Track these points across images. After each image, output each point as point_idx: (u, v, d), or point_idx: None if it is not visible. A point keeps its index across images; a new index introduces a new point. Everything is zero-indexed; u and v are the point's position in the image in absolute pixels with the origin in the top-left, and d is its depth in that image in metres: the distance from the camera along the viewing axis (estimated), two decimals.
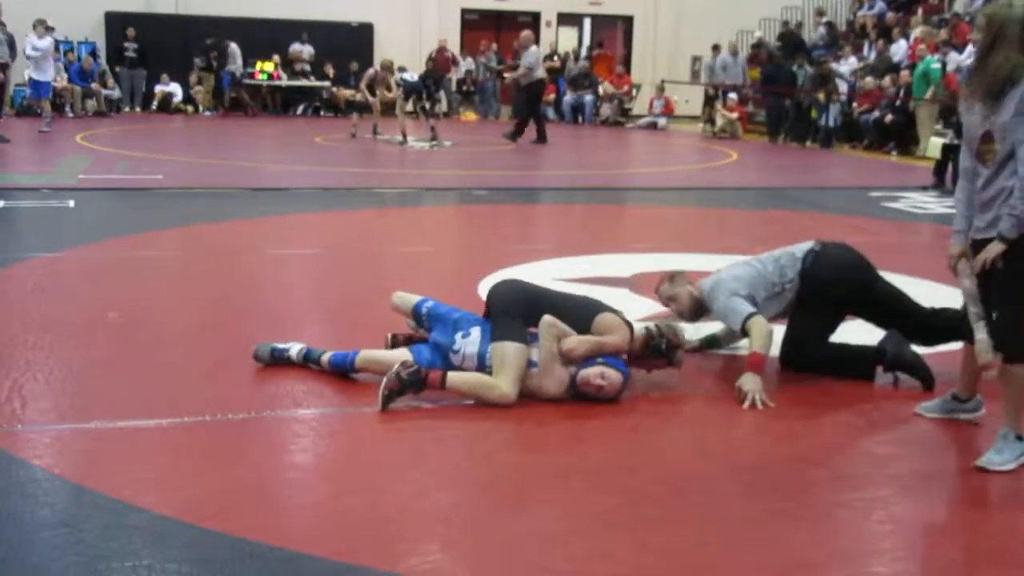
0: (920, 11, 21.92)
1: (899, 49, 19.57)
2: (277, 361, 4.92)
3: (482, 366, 4.57)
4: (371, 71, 18.31)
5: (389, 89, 17.79)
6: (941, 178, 13.19)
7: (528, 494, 3.73)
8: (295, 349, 4.93)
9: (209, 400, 4.46)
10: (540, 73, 18.40)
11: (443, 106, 23.91)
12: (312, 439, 4.23)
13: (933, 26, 20.20)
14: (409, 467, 3.90)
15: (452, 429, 4.28)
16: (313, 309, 6.47)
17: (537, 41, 25.06)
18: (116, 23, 22.44)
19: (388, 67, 17.92)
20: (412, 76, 18.29)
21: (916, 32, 19.66)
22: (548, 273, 7.27)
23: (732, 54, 22.21)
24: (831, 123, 19.17)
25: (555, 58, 24.70)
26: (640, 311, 6.31)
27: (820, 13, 24.14)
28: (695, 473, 3.95)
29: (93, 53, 21.86)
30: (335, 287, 7.08)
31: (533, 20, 25.70)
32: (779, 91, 20.42)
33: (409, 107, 18.18)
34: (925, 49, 17.97)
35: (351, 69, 22.12)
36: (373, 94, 17.84)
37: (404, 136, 17.07)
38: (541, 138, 17.83)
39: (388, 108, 18.35)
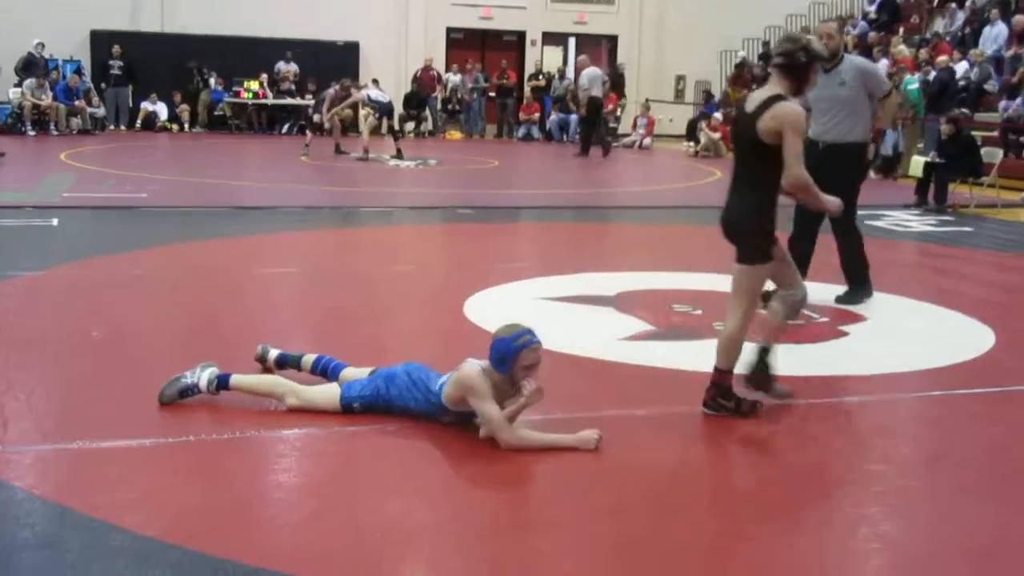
0: (901, 30, 22.10)
1: (880, 68, 19.69)
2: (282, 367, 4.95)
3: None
4: (330, 90, 18.40)
5: (348, 107, 17.99)
6: (923, 196, 13.26)
7: (513, 514, 3.71)
8: (273, 353, 5.03)
9: (193, 419, 4.44)
10: (596, 91, 20.04)
11: (428, 124, 23.96)
12: (296, 458, 4.20)
13: (913, 46, 20.36)
14: (393, 487, 3.88)
15: (437, 449, 4.26)
16: (296, 327, 6.45)
17: (523, 60, 25.30)
18: (102, 41, 22.39)
19: (346, 86, 18.06)
20: (383, 96, 18.28)
21: (896, 51, 19.80)
22: (532, 292, 7.28)
23: None
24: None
25: (540, 77, 24.79)
26: (625, 330, 6.33)
27: (804, 32, 24.32)
28: (682, 491, 3.95)
29: (78, 71, 21.83)
30: (319, 306, 7.06)
31: (518, 39, 25.81)
32: None
33: (383, 128, 18.23)
34: (905, 68, 18.11)
35: None
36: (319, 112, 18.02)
37: (366, 153, 17.08)
38: (606, 149, 20.13)
39: (353, 126, 18.50)
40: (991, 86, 17.89)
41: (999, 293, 8.24)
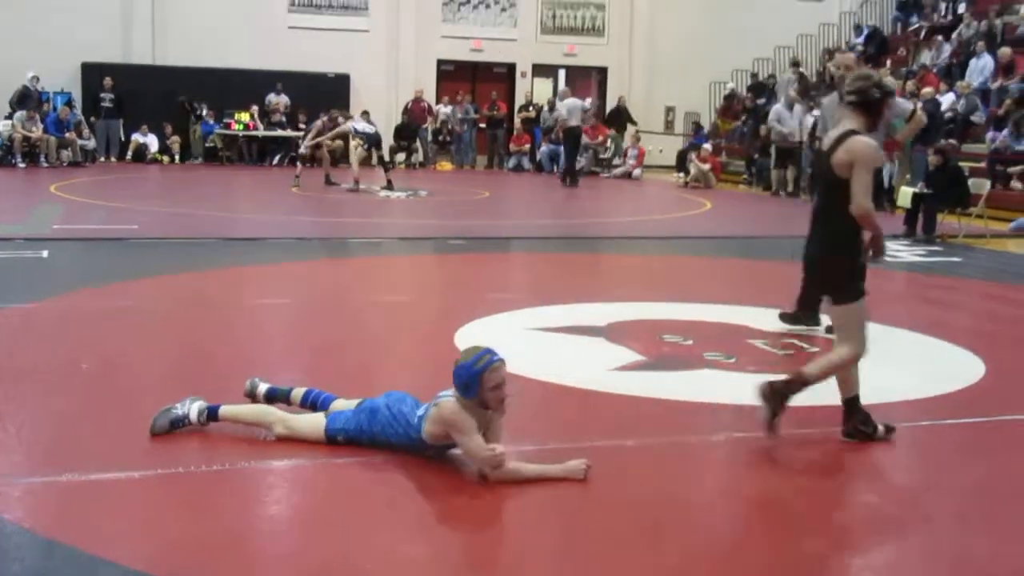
0: (888, 63, 22.28)
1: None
2: (272, 401, 4.92)
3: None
4: (318, 122, 18.50)
5: (336, 138, 18.06)
6: (912, 227, 13.33)
7: (502, 547, 3.70)
8: (262, 388, 4.98)
9: (182, 451, 4.43)
10: (574, 121, 20.52)
11: (419, 155, 24.03)
12: (285, 490, 4.20)
13: (901, 78, 20.52)
14: (381, 519, 3.88)
15: (423, 481, 4.25)
16: (288, 359, 6.44)
17: (513, 92, 25.44)
18: (93, 74, 22.43)
19: (334, 117, 18.18)
20: (369, 127, 18.38)
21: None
22: (523, 323, 7.29)
23: (788, 107, 20.12)
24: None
25: (530, 108, 24.92)
26: (616, 360, 6.33)
27: (795, 64, 24.45)
28: (672, 522, 3.95)
29: (69, 103, 21.86)
30: (310, 337, 7.05)
31: (508, 71, 25.95)
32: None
33: (374, 160, 18.31)
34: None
35: None
36: (319, 145, 18.04)
37: (356, 184, 17.15)
38: (574, 180, 20.32)
39: (343, 157, 18.61)
40: (978, 117, 18.04)
41: (988, 323, 8.28)
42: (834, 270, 4.88)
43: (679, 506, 4.14)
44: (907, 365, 6.56)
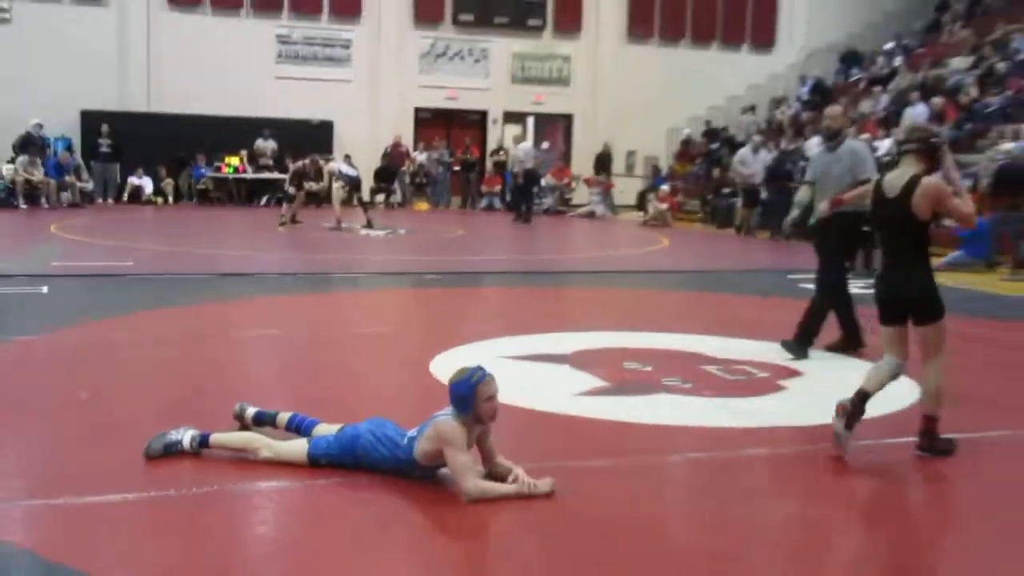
0: None
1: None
2: (260, 424, 4.90)
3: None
4: (299, 163, 18.50)
5: (317, 180, 18.09)
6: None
7: (483, 566, 3.69)
8: (250, 412, 4.98)
9: (174, 474, 4.39)
10: (529, 164, 21.16)
11: (398, 196, 24.06)
12: (273, 511, 4.16)
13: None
14: (366, 539, 3.85)
15: (406, 502, 4.22)
16: (274, 386, 6.41)
17: (485, 137, 25.59)
18: (92, 120, 22.36)
19: (315, 160, 18.27)
20: (351, 170, 18.40)
21: None
22: (494, 351, 7.28)
23: (754, 150, 20.02)
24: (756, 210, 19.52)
25: (501, 152, 25.03)
26: (580, 386, 6.34)
27: (750, 109, 24.77)
28: (637, 538, 3.94)
29: (69, 148, 21.77)
30: (294, 366, 7.02)
31: (481, 118, 26.07)
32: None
33: (354, 200, 18.32)
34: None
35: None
36: (301, 187, 18.02)
37: (338, 223, 17.14)
38: (526, 217, 20.78)
39: (324, 197, 18.61)
40: None
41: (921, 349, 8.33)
42: (928, 297, 5.08)
43: (645, 523, 4.14)
44: (850, 388, 6.57)
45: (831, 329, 7.58)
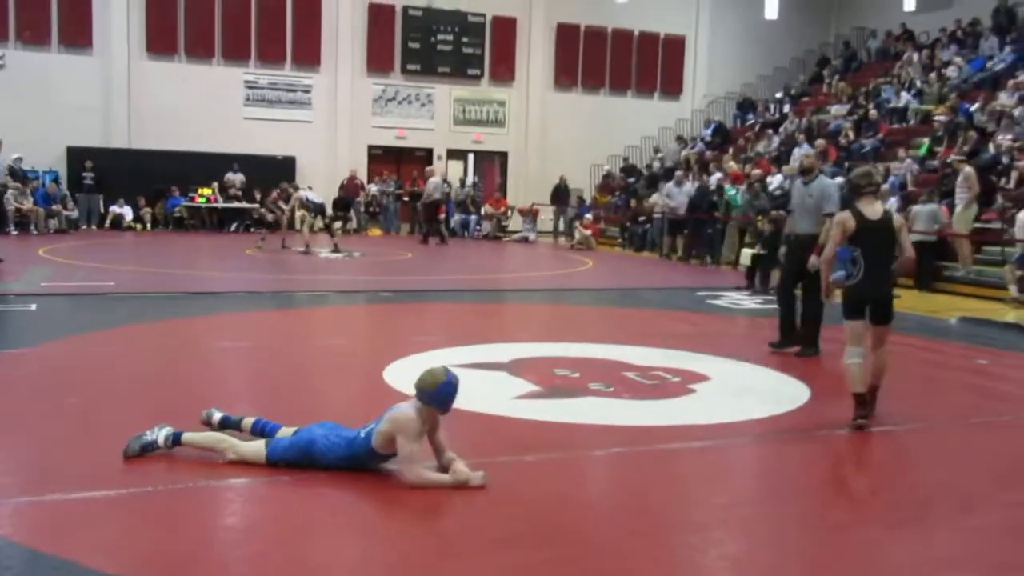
0: (731, 150, 22.96)
1: (714, 180, 20.28)
2: (224, 428, 4.80)
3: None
4: (275, 192, 18.45)
5: (286, 203, 18.01)
6: (752, 281, 13.66)
7: (430, 545, 3.66)
8: (216, 417, 4.90)
9: (152, 472, 4.30)
10: (437, 195, 21.15)
11: (353, 223, 23.89)
12: (242, 504, 4.10)
13: (740, 162, 21.14)
14: (327, 526, 3.81)
15: (361, 491, 4.18)
16: (241, 393, 6.31)
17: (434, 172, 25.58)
18: (77, 156, 21.89)
19: (284, 189, 18.34)
20: (316, 198, 18.33)
21: (727, 166, 20.52)
22: (440, 360, 7.24)
23: (677, 184, 19.73)
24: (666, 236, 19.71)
25: (446, 185, 24.96)
26: (517, 390, 6.34)
27: (656, 151, 25.07)
28: (564, 519, 3.95)
29: (56, 180, 21.28)
30: (260, 374, 6.92)
31: (427, 154, 26.02)
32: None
33: (319, 224, 18.20)
34: (726, 178, 18.72)
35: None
36: (273, 212, 17.89)
37: (307, 247, 16.98)
38: (443, 240, 20.87)
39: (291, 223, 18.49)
40: None
41: (812, 358, 8.48)
42: (891, 299, 5.74)
43: (567, 507, 4.15)
44: (751, 391, 6.70)
45: (771, 329, 7.66)
